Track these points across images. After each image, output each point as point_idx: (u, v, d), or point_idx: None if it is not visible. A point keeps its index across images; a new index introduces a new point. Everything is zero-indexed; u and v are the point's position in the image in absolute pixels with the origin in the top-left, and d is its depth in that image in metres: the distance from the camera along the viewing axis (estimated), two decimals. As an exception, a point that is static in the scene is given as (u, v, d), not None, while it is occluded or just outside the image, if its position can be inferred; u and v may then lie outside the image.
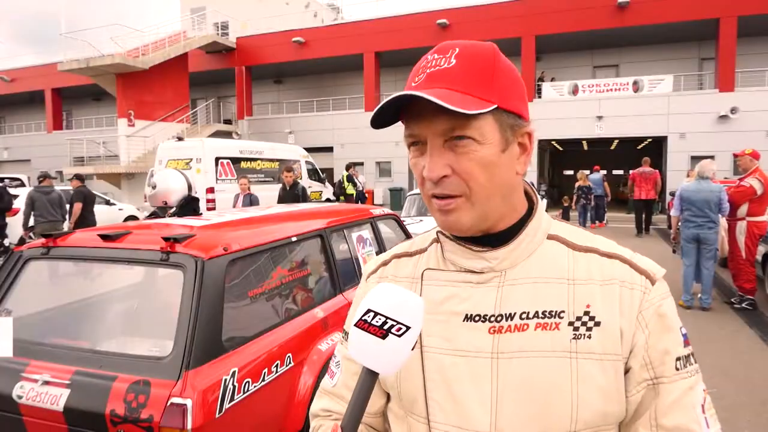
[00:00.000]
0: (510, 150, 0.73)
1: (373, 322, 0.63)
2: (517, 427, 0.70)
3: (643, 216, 12.41)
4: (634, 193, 12.56)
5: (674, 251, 6.05)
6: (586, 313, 0.71)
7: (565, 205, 15.27)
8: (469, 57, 0.71)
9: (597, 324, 0.70)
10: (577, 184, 14.00)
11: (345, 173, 13.12)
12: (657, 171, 12.29)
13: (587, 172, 14.37)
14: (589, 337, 0.70)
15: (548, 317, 0.71)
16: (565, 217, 14.08)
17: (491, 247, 0.75)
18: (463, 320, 0.74)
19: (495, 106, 0.69)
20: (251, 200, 8.02)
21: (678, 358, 0.71)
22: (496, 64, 0.72)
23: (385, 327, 0.63)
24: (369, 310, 0.64)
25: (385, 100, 0.69)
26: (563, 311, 0.71)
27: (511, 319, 0.72)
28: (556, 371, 0.69)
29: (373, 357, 0.63)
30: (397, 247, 0.92)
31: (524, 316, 0.72)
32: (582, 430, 0.69)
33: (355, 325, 0.64)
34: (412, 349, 0.64)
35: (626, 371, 0.71)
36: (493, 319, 0.73)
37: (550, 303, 0.72)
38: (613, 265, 0.74)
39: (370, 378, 0.64)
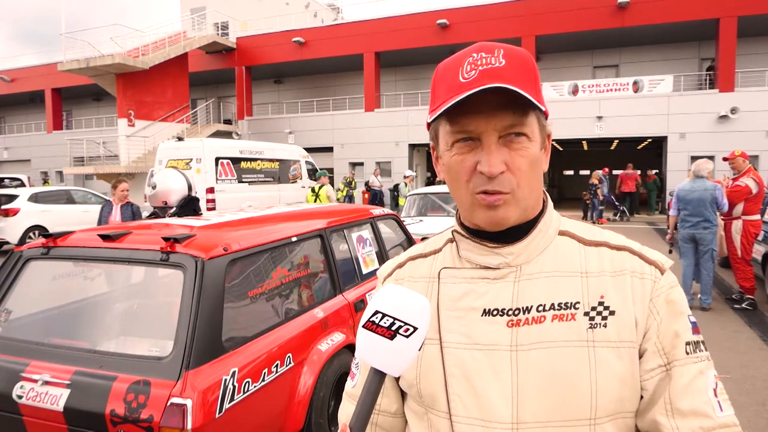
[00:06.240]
0: (544, 148, 0.78)
1: (381, 323, 0.64)
2: (539, 416, 0.71)
3: (628, 205, 16.98)
4: (621, 188, 17.08)
5: (671, 251, 6.14)
6: (601, 303, 0.73)
7: (585, 198, 16.29)
8: (515, 57, 0.72)
9: (612, 313, 0.73)
10: (590, 182, 15.64)
11: (346, 177, 12.98)
12: (635, 172, 17.31)
13: (599, 172, 15.86)
14: (605, 326, 0.72)
15: (564, 309, 0.73)
16: (585, 209, 16.02)
17: (505, 243, 0.77)
18: (482, 315, 0.76)
19: (542, 105, 0.73)
20: (133, 212, 5.57)
21: (688, 342, 0.73)
22: (536, 66, 0.75)
23: (393, 328, 0.64)
24: (377, 312, 0.64)
25: (471, 91, 0.68)
26: (578, 302, 0.74)
27: (528, 312, 0.74)
28: (575, 360, 0.71)
29: (380, 357, 0.64)
30: (411, 250, 0.94)
31: (541, 308, 0.74)
32: (601, 416, 0.71)
33: (363, 326, 0.65)
34: (419, 350, 0.65)
35: (640, 356, 0.73)
36: (510, 312, 0.75)
37: (565, 295, 0.74)
38: (623, 256, 0.77)
39: (378, 378, 0.65)
